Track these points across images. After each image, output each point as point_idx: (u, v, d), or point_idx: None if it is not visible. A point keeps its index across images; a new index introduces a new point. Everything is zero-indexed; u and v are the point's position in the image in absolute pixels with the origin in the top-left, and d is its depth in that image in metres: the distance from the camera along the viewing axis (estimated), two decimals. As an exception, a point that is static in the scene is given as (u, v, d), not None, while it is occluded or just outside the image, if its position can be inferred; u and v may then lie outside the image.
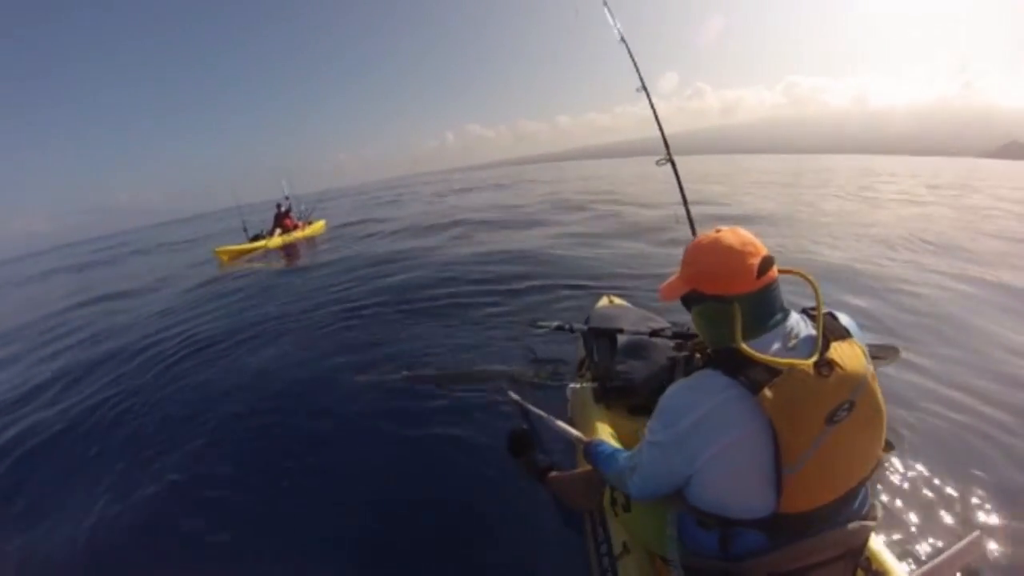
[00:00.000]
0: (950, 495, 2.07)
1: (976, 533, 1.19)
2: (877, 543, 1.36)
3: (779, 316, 1.10)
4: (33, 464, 3.26)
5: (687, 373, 1.30)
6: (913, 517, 1.95)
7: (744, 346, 1.03)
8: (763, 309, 1.09)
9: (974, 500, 2.04)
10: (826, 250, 6.62)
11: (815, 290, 1.11)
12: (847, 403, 1.01)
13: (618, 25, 3.05)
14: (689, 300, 1.17)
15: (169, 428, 3.35)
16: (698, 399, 1.05)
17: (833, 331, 1.08)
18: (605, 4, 3.15)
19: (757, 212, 10.12)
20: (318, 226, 14.11)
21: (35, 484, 3.02)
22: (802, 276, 1.16)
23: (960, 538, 1.20)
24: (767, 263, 1.06)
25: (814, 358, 1.01)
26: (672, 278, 1.20)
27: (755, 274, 1.06)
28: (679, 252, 1.21)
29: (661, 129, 2.86)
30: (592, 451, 1.59)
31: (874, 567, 1.31)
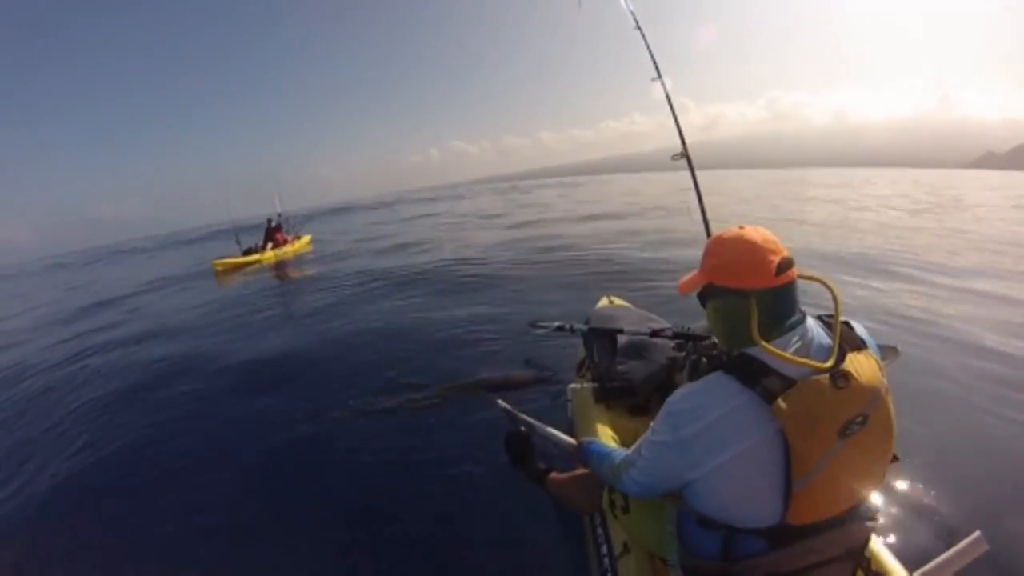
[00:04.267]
0: (950, 495, 2.08)
1: (976, 533, 1.18)
2: (877, 543, 1.35)
3: (796, 319, 1.09)
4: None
5: (693, 376, 1.27)
6: (913, 517, 1.96)
7: (763, 343, 1.02)
8: (780, 308, 1.07)
9: (974, 500, 2.05)
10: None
11: (834, 298, 1.10)
12: (860, 416, 1.00)
13: (632, 9, 2.89)
14: (706, 294, 1.16)
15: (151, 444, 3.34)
16: (709, 404, 1.03)
17: (849, 341, 1.07)
18: None
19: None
20: (304, 241, 14.67)
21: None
22: (822, 283, 1.15)
23: (960, 538, 1.20)
24: (786, 263, 1.05)
25: (829, 363, 1.00)
26: (691, 273, 1.19)
27: (773, 271, 1.04)
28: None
29: (676, 121, 2.74)
30: (584, 449, 1.57)
31: (874, 567, 1.31)
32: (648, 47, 2.84)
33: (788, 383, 0.98)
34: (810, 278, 1.15)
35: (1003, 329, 3.85)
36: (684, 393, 1.10)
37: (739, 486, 1.04)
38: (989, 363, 3.29)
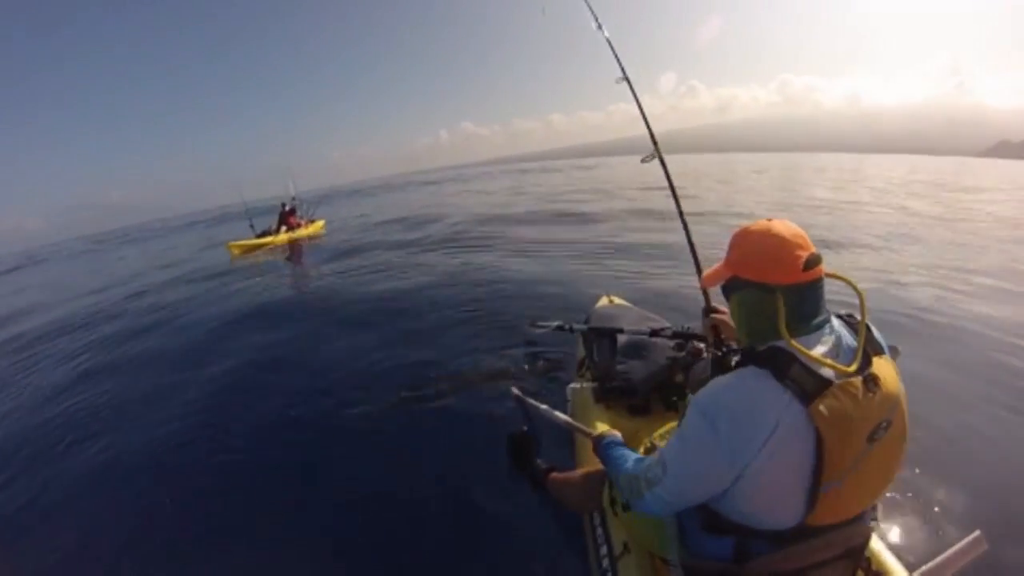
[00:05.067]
0: (950, 495, 2.07)
1: (976, 533, 1.19)
2: (877, 543, 1.35)
3: (822, 318, 1.05)
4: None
5: (717, 370, 1.17)
6: (913, 517, 1.95)
7: (794, 342, 0.98)
8: (807, 306, 1.04)
9: (974, 500, 2.04)
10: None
11: (860, 299, 1.07)
12: (886, 422, 0.99)
13: (594, 11, 2.73)
14: (730, 287, 1.13)
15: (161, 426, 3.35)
16: (746, 400, 0.99)
17: (872, 345, 1.05)
18: None
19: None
20: (318, 225, 14.69)
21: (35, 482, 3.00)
22: (847, 282, 1.12)
23: (960, 538, 1.20)
24: (814, 259, 1.02)
25: (854, 366, 0.98)
26: (716, 264, 1.16)
27: (801, 266, 1.01)
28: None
29: (647, 122, 2.56)
30: (603, 447, 1.48)
31: (874, 567, 1.31)
32: (612, 47, 2.66)
33: (823, 383, 0.95)
34: (836, 277, 1.11)
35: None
36: (716, 389, 1.05)
37: (769, 488, 1.01)
38: (990, 363, 3.26)
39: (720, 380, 1.06)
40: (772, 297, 1.02)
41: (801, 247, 1.03)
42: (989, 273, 5.53)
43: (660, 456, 1.14)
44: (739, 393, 1.01)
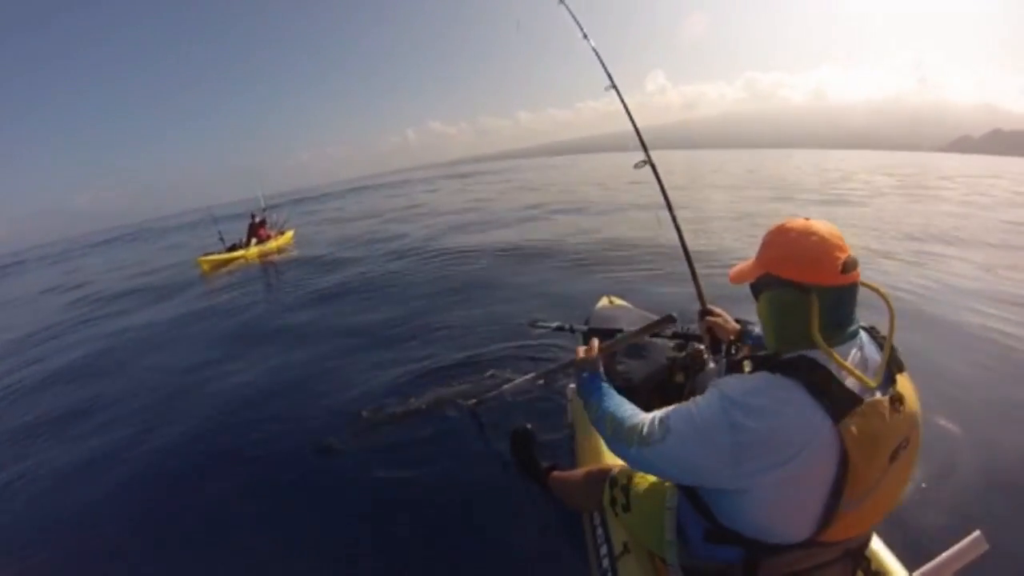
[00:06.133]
0: (950, 495, 2.09)
1: (976, 533, 1.18)
2: (877, 543, 1.36)
3: (854, 328, 1.02)
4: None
5: (732, 371, 1.10)
6: (913, 517, 1.96)
7: (827, 347, 0.95)
8: (841, 311, 1.00)
9: (974, 500, 2.06)
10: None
11: (890, 311, 1.05)
12: (906, 440, 0.98)
13: (580, 22, 2.71)
14: (761, 285, 1.08)
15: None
16: (773, 409, 0.93)
17: (895, 361, 1.03)
18: (562, 2, 2.81)
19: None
20: (287, 236, 14.52)
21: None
22: (878, 292, 1.08)
23: (960, 538, 1.19)
24: (852, 262, 0.98)
25: (877, 381, 0.96)
26: (745, 261, 1.12)
27: (839, 268, 0.97)
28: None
29: (636, 129, 2.49)
30: (590, 385, 1.41)
31: (874, 567, 1.32)
32: (599, 57, 2.64)
33: (854, 401, 0.92)
34: (868, 286, 1.07)
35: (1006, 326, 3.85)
36: (747, 388, 0.98)
37: (784, 504, 0.98)
38: (990, 361, 3.29)
39: (752, 380, 0.99)
40: (807, 298, 0.98)
41: (840, 248, 0.99)
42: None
43: (666, 420, 1.07)
44: (767, 400, 0.95)
